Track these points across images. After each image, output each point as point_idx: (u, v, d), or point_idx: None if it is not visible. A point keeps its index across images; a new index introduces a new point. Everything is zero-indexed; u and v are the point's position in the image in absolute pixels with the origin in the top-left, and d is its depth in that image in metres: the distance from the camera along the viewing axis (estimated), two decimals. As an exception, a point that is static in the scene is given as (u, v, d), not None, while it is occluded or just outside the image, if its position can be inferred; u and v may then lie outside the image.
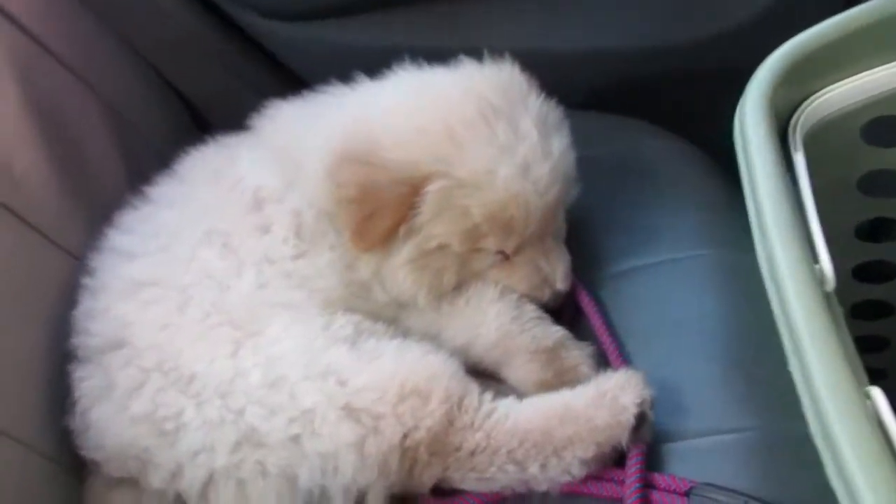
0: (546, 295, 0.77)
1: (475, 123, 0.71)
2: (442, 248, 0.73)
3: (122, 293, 0.73)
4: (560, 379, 0.72)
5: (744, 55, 0.90)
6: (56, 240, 0.80)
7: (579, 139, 0.82)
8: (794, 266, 0.56)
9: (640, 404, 0.65)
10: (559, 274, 0.77)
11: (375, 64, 0.82)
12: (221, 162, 0.82)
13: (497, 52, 0.81)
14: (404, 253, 0.72)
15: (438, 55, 0.81)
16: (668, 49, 1.08)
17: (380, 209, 0.70)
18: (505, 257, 0.75)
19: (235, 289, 0.72)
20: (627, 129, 1.02)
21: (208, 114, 1.10)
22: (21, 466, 0.67)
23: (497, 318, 0.74)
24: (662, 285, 0.80)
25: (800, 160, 0.67)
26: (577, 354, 0.73)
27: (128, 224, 0.80)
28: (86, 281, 0.76)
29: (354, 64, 0.83)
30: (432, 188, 0.69)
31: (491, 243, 0.73)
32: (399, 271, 0.73)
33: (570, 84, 1.10)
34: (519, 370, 0.73)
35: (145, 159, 0.96)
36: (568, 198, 0.78)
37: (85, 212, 0.84)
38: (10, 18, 0.87)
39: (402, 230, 0.71)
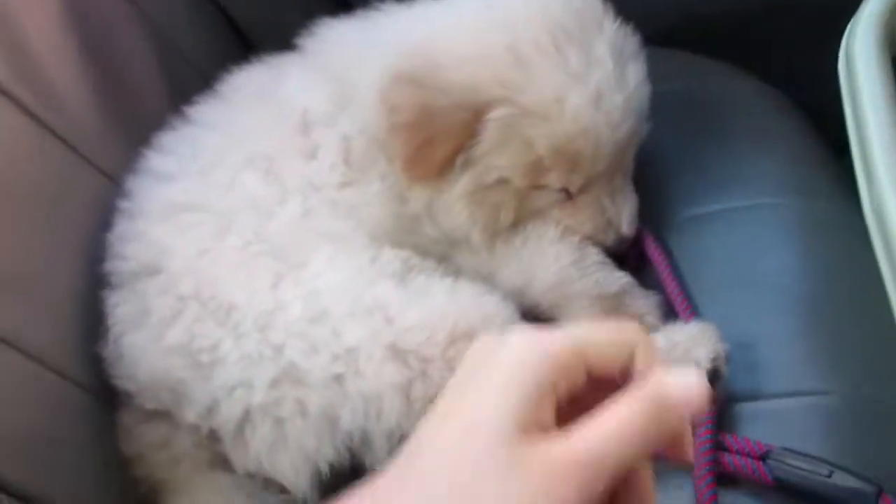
0: (610, 238, 0.71)
1: (544, 47, 0.64)
2: (501, 181, 0.67)
3: (160, 216, 0.69)
4: (624, 328, 0.66)
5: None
6: (93, 160, 0.76)
7: (655, 75, 0.75)
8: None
9: (714, 359, 0.59)
10: (625, 216, 0.71)
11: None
12: (268, 82, 0.76)
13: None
14: (460, 185, 0.66)
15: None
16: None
17: (436, 135, 0.64)
18: (568, 196, 0.69)
19: (278, 216, 0.67)
20: (705, 67, 0.94)
21: (254, 35, 1.04)
22: (53, 393, 0.64)
23: (556, 261, 0.68)
24: (737, 234, 0.74)
25: (915, 97, 0.59)
26: (643, 303, 0.68)
27: (167, 145, 0.75)
28: (122, 203, 0.72)
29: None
30: (495, 115, 0.63)
31: (554, 179, 0.67)
32: (454, 205, 0.67)
33: (648, 18, 1.02)
34: (578, 316, 0.68)
35: (189, 80, 0.91)
36: (640, 134, 0.71)
37: (124, 132, 0.80)
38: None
39: (459, 160, 0.65)
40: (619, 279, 0.69)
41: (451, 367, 0.59)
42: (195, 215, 0.68)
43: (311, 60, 0.76)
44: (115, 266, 0.68)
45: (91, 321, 0.68)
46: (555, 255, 0.69)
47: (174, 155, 0.74)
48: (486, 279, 0.69)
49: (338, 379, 0.60)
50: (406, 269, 0.65)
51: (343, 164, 0.69)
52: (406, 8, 0.75)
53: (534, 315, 0.68)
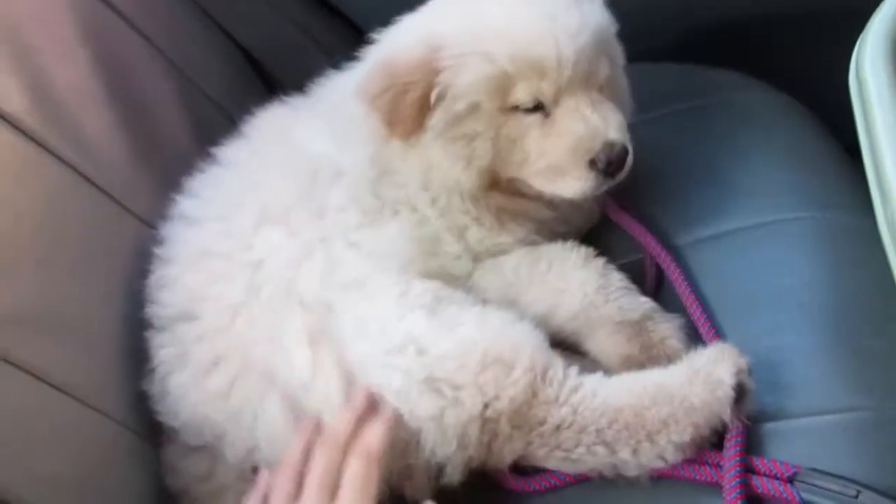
0: (597, 146, 0.68)
1: None
2: (472, 108, 0.69)
3: (190, 262, 0.71)
4: (647, 353, 0.67)
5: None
6: (126, 204, 0.78)
7: (674, 91, 0.76)
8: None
9: (737, 374, 0.60)
10: (611, 122, 0.69)
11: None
12: (284, 125, 0.80)
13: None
14: (435, 121, 0.69)
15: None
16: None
17: (405, 87, 0.68)
18: (545, 115, 0.70)
19: (306, 267, 0.68)
20: (722, 81, 0.94)
21: (274, 69, 1.07)
22: (95, 432, 0.67)
23: (581, 287, 0.70)
24: (760, 251, 0.74)
25: (925, 112, 0.59)
26: (666, 327, 0.69)
27: (195, 189, 0.78)
28: (158, 250, 0.75)
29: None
30: (450, 41, 0.68)
31: (523, 92, 0.68)
32: (433, 150, 0.70)
33: (660, 31, 1.03)
34: (603, 342, 0.69)
35: (212, 118, 0.95)
36: (607, 48, 0.72)
37: (154, 176, 0.83)
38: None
39: (432, 96, 0.68)
40: (643, 304, 0.70)
41: (482, 392, 0.61)
42: (223, 265, 0.70)
43: (317, 106, 0.80)
44: (155, 311, 0.71)
45: (133, 363, 0.71)
46: (579, 281, 0.70)
47: (200, 198, 0.77)
48: (512, 304, 0.70)
49: None
50: (436, 300, 0.66)
51: (359, 206, 0.72)
52: None
53: (560, 345, 0.69)
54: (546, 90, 0.68)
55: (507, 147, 0.70)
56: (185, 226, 0.74)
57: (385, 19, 0.77)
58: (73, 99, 0.78)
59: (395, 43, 0.73)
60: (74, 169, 0.74)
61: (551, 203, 0.74)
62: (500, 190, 0.73)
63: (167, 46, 0.93)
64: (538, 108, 0.69)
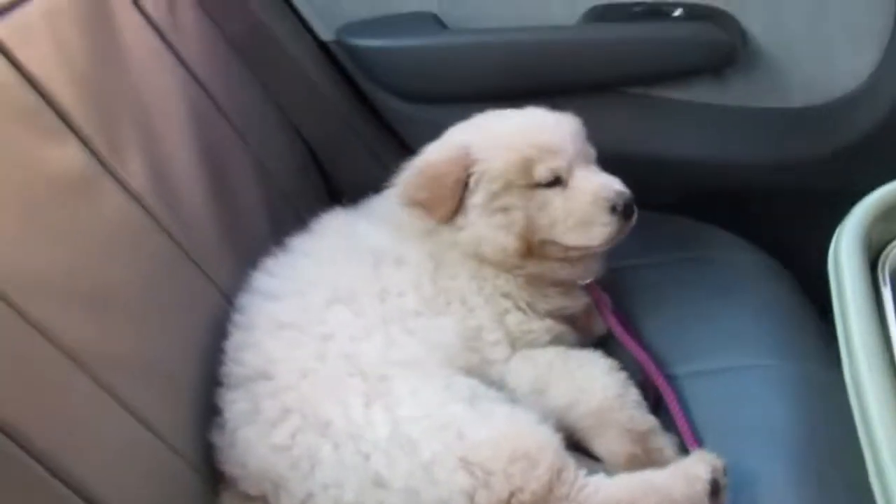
0: (612, 195, 0.87)
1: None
2: (506, 187, 0.87)
3: (269, 330, 0.83)
4: (648, 456, 0.79)
5: (824, 179, 0.98)
6: (212, 275, 0.91)
7: (675, 241, 0.92)
8: (881, 394, 0.63)
9: (713, 472, 0.73)
10: (615, 181, 0.89)
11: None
12: (348, 223, 0.95)
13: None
14: (477, 197, 0.88)
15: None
16: (748, 165, 1.16)
17: (441, 176, 0.88)
18: (563, 187, 0.88)
19: (367, 344, 0.81)
20: (719, 238, 1.12)
21: (336, 176, 1.24)
22: (166, 466, 0.76)
23: (603, 390, 0.83)
24: (744, 389, 0.88)
25: (888, 296, 0.74)
26: (664, 440, 0.82)
27: (272, 269, 0.91)
28: (236, 317, 0.87)
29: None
30: (475, 143, 0.89)
31: (544, 169, 0.87)
32: (479, 226, 0.88)
33: (659, 188, 1.21)
34: (611, 442, 0.81)
35: (284, 211, 1.08)
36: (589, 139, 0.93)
37: (234, 255, 0.96)
38: (192, 74, 1.01)
39: (471, 181, 0.88)
40: (650, 420, 0.83)
41: (510, 482, 0.71)
42: (298, 334, 0.82)
43: (374, 211, 0.96)
44: (232, 369, 0.82)
45: (201, 413, 0.81)
46: (602, 385, 0.83)
47: (277, 277, 0.90)
48: (539, 394, 0.83)
49: (414, 486, 0.72)
50: (474, 395, 0.78)
51: (416, 292, 0.86)
52: None
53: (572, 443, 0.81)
54: (560, 165, 0.88)
55: (537, 214, 0.88)
56: (264, 299, 0.87)
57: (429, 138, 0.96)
58: (182, 183, 0.92)
59: (431, 153, 0.92)
60: (176, 242, 0.87)
61: (571, 262, 0.92)
62: (532, 256, 0.90)
63: (255, 143, 1.09)
64: (557, 182, 0.88)
